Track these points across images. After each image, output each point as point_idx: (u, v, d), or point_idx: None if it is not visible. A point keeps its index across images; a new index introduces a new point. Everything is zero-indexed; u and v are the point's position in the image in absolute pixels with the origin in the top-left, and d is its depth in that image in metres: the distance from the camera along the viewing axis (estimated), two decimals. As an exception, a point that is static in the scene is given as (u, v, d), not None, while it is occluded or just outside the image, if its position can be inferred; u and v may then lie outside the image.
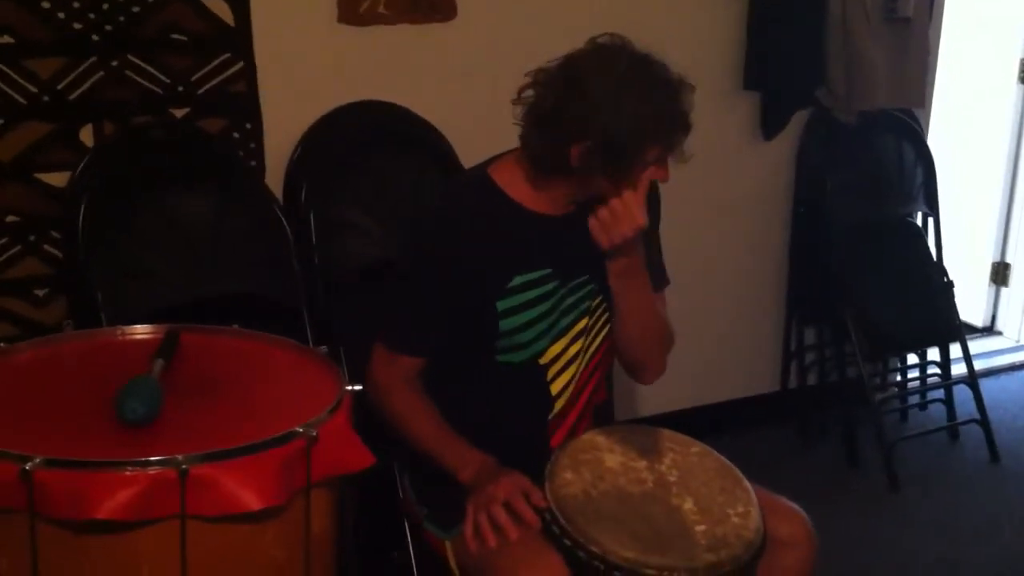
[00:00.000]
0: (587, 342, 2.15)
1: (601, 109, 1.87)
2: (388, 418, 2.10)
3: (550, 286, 2.07)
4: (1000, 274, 4.77)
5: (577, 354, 2.14)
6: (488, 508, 1.90)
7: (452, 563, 2.05)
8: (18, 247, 2.55)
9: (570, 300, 2.11)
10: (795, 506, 2.07)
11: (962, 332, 3.83)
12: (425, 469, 2.14)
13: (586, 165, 1.91)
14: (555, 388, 2.12)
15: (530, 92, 1.96)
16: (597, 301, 2.15)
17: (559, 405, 2.13)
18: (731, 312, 3.66)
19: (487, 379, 2.10)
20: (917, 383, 3.99)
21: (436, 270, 2.01)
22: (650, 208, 2.17)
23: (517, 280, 2.04)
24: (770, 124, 3.51)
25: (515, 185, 2.05)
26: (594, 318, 2.15)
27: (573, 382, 2.14)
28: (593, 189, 1.96)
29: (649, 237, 2.06)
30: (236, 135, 2.70)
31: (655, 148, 1.92)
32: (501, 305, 2.03)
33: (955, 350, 3.81)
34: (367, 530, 2.56)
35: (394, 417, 2.09)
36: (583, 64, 1.92)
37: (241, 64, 2.66)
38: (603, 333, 2.17)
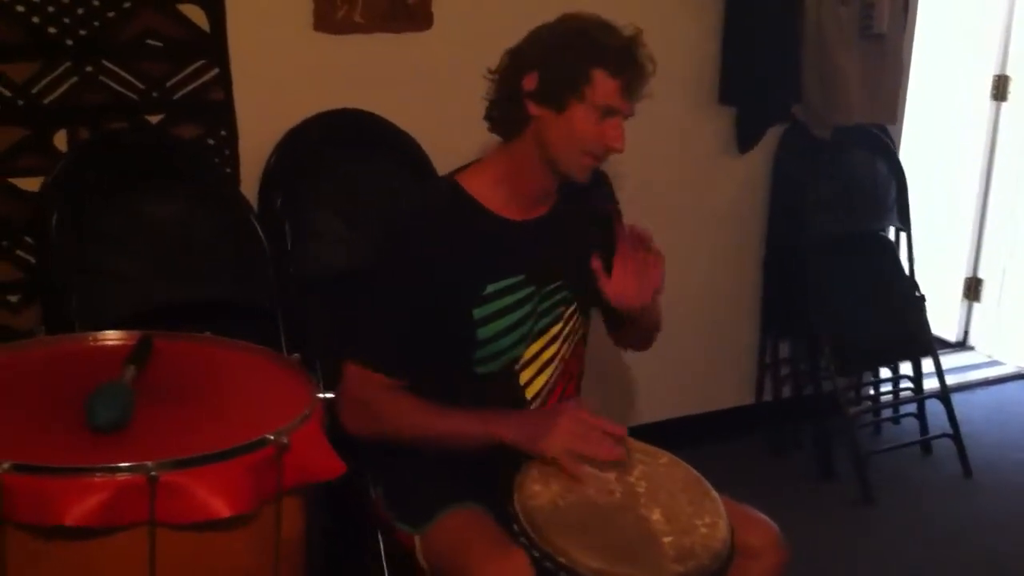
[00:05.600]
0: (560, 348, 2.15)
1: (543, 35, 2.00)
2: (380, 429, 2.03)
3: (525, 292, 2.07)
4: (972, 289, 4.81)
5: (551, 359, 2.14)
6: (578, 451, 1.90)
7: (420, 558, 2.02)
8: (-10, 252, 2.53)
9: (545, 304, 2.11)
10: (764, 516, 2.07)
11: (934, 347, 3.85)
12: (396, 475, 2.13)
13: (538, 97, 1.96)
14: (529, 392, 2.12)
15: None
16: (571, 309, 2.16)
17: (533, 408, 2.13)
18: (706, 325, 3.67)
19: (463, 388, 2.08)
20: (890, 397, 4.01)
21: (409, 281, 1.99)
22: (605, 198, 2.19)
23: (490, 288, 2.04)
24: (745, 138, 3.53)
25: (484, 191, 2.06)
26: (568, 326, 2.16)
27: (547, 387, 2.14)
28: (552, 143, 1.99)
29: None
30: (211, 142, 2.69)
31: (599, 69, 1.93)
32: (477, 313, 2.03)
33: (928, 365, 3.84)
34: (337, 538, 2.55)
35: (388, 424, 2.02)
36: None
37: (216, 71, 2.66)
38: (575, 342, 2.18)
